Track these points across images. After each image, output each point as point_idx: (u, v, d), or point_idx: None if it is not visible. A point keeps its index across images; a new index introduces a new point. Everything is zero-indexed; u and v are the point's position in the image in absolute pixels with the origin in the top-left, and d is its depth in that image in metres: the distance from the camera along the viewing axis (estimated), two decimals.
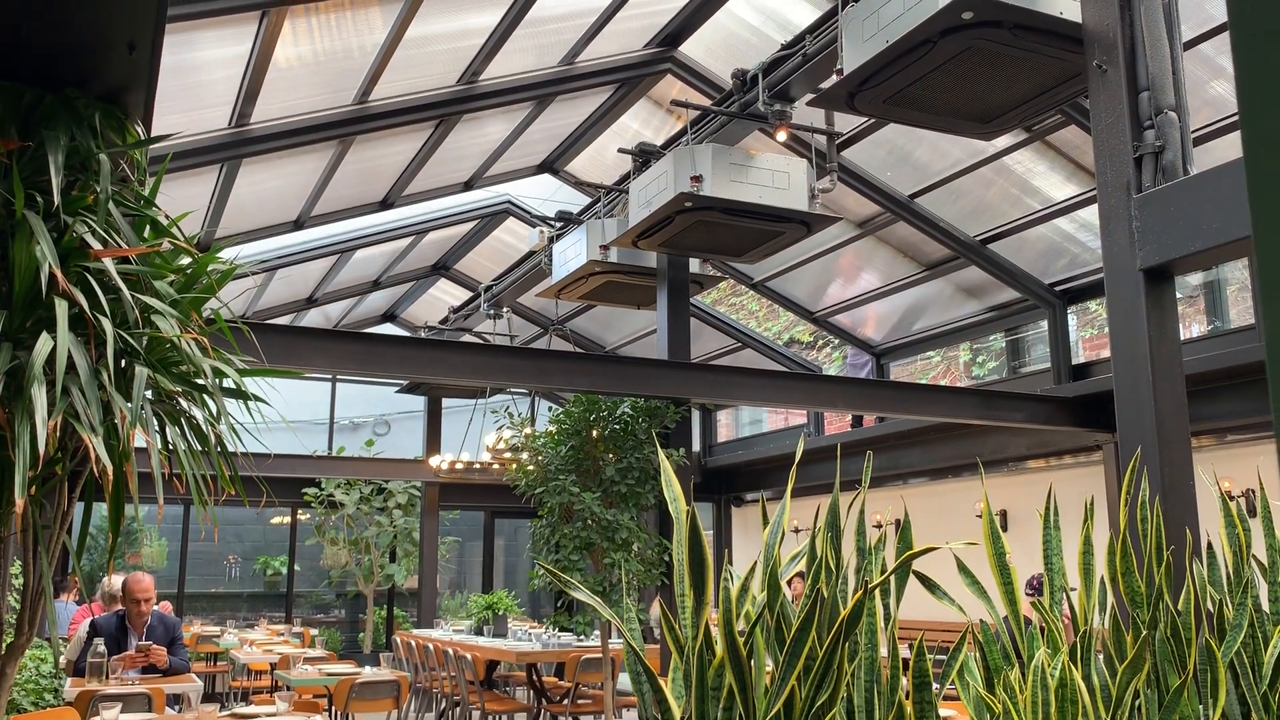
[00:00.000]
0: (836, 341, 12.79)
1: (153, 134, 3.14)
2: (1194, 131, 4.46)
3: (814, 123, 6.08)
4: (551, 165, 9.36)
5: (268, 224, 8.87)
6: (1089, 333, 9.57)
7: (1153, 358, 3.39)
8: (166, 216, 2.94)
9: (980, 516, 2.88)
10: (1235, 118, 6.31)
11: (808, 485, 10.86)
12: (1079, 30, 3.81)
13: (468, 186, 9.39)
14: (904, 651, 3.88)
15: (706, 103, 6.68)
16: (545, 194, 13.60)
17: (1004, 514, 9.75)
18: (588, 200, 8.87)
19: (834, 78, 4.56)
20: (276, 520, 15.06)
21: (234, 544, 15.04)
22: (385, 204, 9.07)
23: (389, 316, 14.09)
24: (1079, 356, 9.62)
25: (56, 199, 2.47)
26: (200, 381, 2.65)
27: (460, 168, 8.95)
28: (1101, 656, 2.82)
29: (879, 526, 10.45)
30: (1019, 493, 9.44)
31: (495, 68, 6.77)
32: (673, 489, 2.55)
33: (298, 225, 8.89)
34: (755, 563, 2.51)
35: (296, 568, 14.89)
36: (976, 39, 3.91)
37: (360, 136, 7.17)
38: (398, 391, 13.36)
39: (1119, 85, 3.56)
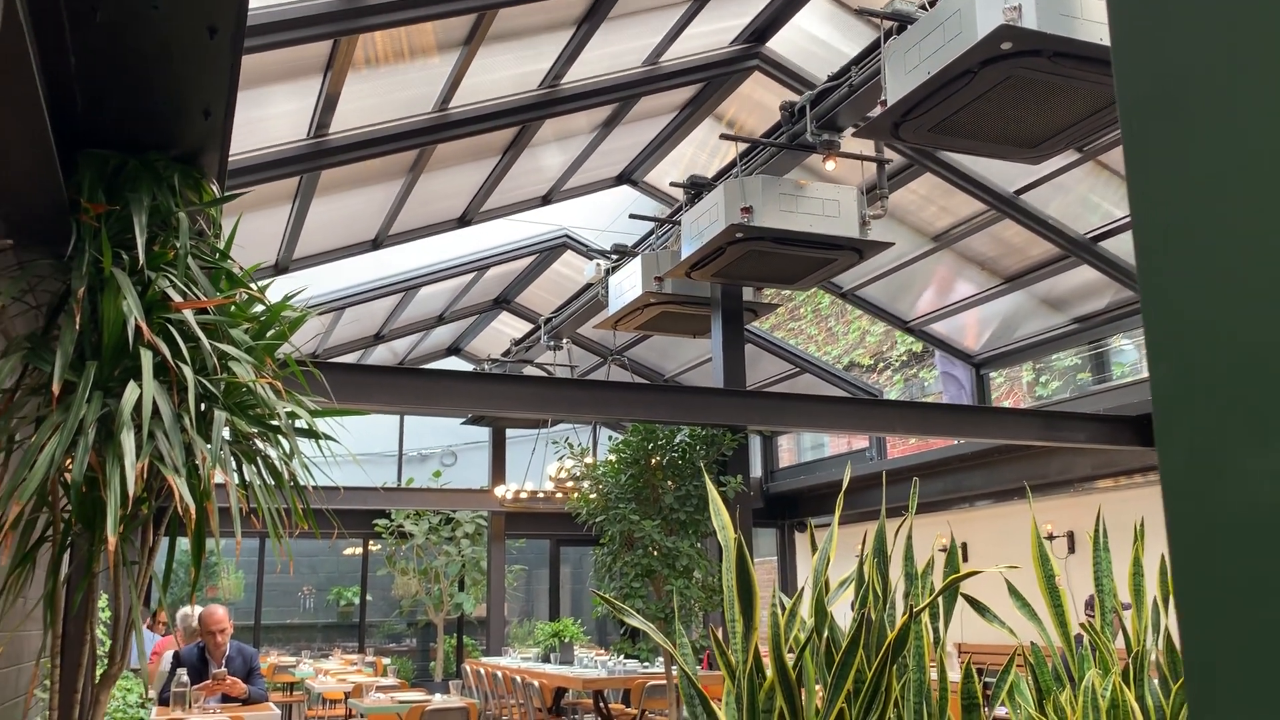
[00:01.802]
0: (897, 364, 12.74)
1: (226, 190, 3.35)
2: None
3: (863, 151, 6.16)
4: (630, 176, 9.28)
5: (344, 244, 8.86)
6: None
7: None
8: (240, 268, 3.14)
9: (1044, 539, 2.91)
10: None
11: (869, 510, 10.82)
12: None
13: (545, 201, 9.32)
14: (955, 675, 3.87)
15: (794, 97, 6.53)
16: (603, 225, 13.79)
17: (1070, 535, 9.61)
18: (657, 219, 8.86)
19: (879, 108, 4.64)
20: (349, 551, 15.39)
21: (308, 576, 15.40)
22: (464, 220, 8.98)
23: (454, 350, 14.38)
24: (1144, 372, 9.48)
25: (141, 256, 2.65)
26: (274, 423, 2.82)
27: (538, 180, 8.90)
28: (1156, 678, 2.83)
29: (944, 550, 10.36)
30: (1086, 513, 9.30)
31: (577, 71, 6.66)
32: (720, 517, 2.64)
33: (375, 245, 8.86)
34: (802, 588, 2.59)
35: (369, 598, 15.19)
36: (1017, 68, 3.96)
37: (437, 153, 7.13)
38: (463, 423, 13.62)
39: None
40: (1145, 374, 9.50)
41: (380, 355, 13.35)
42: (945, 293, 9.73)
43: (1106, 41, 3.93)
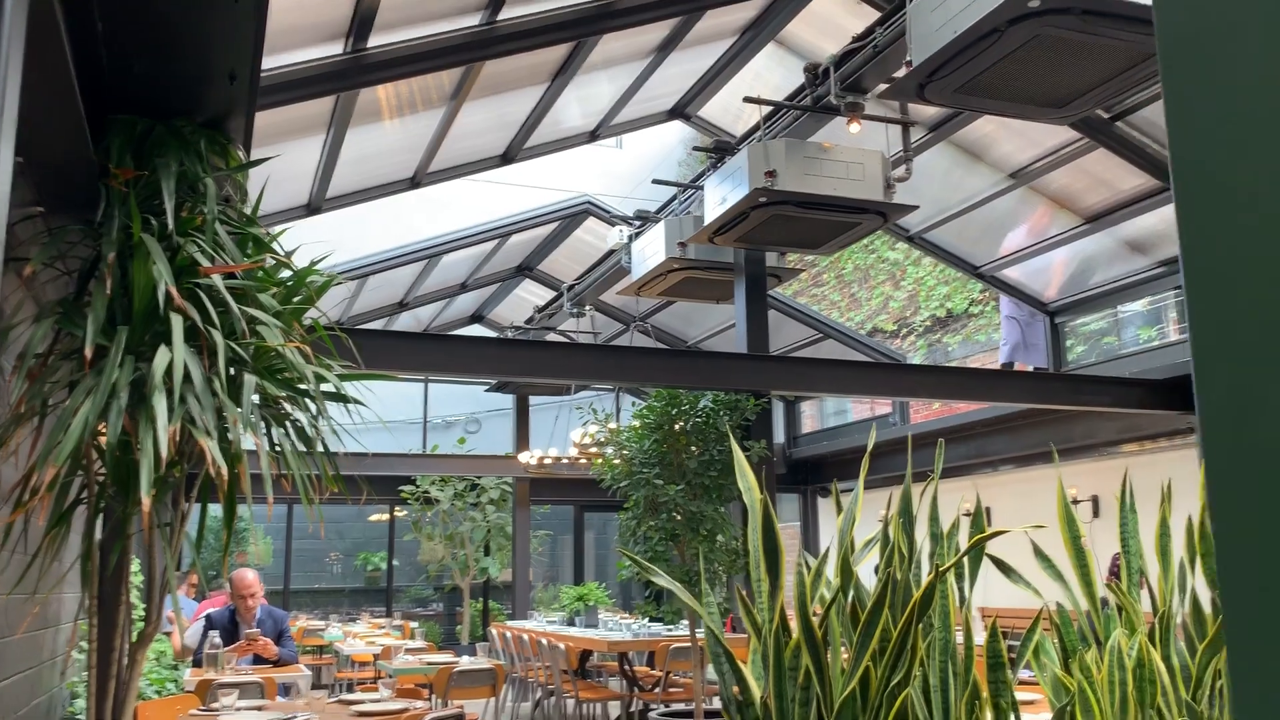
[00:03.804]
0: (920, 330, 12.68)
1: (252, 154, 3.36)
2: None
3: (888, 113, 6.10)
4: (683, 110, 8.78)
5: (382, 182, 8.31)
6: (1177, 313, 9.33)
7: None
8: (267, 233, 3.16)
9: (1070, 502, 2.91)
10: None
11: (894, 475, 10.82)
12: (1149, 12, 3.78)
13: (593, 137, 8.84)
14: (980, 637, 3.88)
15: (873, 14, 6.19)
16: (625, 191, 13.73)
17: (1095, 499, 9.58)
18: (680, 184, 8.49)
19: (904, 69, 4.59)
20: (375, 517, 15.56)
21: (336, 541, 15.59)
22: (506, 158, 8.45)
23: (477, 318, 14.43)
24: (1169, 336, 9.39)
25: (170, 222, 2.68)
26: (303, 386, 2.85)
27: (587, 112, 8.40)
28: (1182, 639, 2.83)
29: (969, 515, 10.35)
30: (1110, 478, 9.25)
31: None
32: (746, 479, 2.65)
33: (414, 183, 8.32)
34: (827, 549, 2.60)
35: (395, 563, 15.37)
36: (1045, 26, 3.90)
37: (482, 77, 6.57)
38: (487, 390, 13.69)
39: None
40: (1169, 339, 9.42)
41: (404, 322, 13.42)
42: (1022, 235, 9.03)
43: None
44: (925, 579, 2.41)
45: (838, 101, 5.70)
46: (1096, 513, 9.56)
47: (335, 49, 5.49)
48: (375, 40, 5.51)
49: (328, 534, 15.30)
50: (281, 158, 5.27)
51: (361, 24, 5.29)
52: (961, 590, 2.71)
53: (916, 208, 6.01)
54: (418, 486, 13.74)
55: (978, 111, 4.93)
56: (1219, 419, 0.58)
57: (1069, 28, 3.93)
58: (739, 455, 2.56)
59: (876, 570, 2.52)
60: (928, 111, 7.08)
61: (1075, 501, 9.49)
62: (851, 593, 2.55)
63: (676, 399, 6.14)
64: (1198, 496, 2.67)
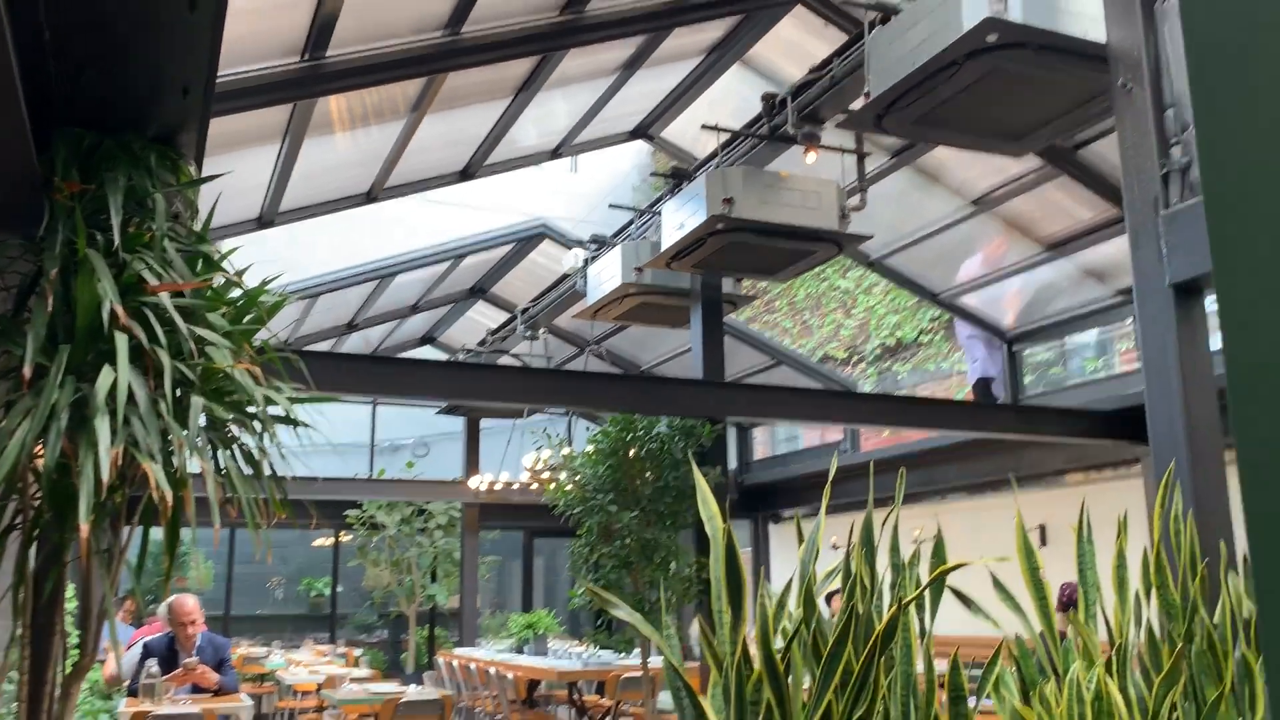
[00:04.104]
0: (870, 358, 12.79)
1: (203, 171, 3.28)
2: None
3: (844, 144, 6.15)
4: (646, 130, 8.62)
5: (336, 196, 8.09)
6: (1124, 345, 9.51)
7: (1183, 372, 3.41)
8: (218, 251, 3.07)
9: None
10: None
11: (845, 502, 10.84)
12: (1103, 50, 3.85)
13: (554, 155, 8.66)
14: (940, 667, 3.89)
15: (841, 37, 6.06)
16: (580, 214, 13.72)
17: (1042, 528, 9.68)
18: (636, 209, 8.38)
19: (862, 100, 4.63)
20: (319, 542, 15.27)
21: (279, 566, 15.28)
22: (466, 174, 8.23)
23: (428, 339, 14.28)
24: (1115, 368, 9.55)
25: (116, 238, 2.59)
26: (252, 409, 2.76)
27: (549, 130, 8.24)
28: (1139, 670, 2.83)
29: (924, 543, 10.38)
30: (1057, 507, 9.38)
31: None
32: (709, 508, 2.61)
33: (370, 197, 8.09)
34: (791, 579, 2.57)
35: (340, 589, 15.08)
36: (1002, 61, 3.96)
37: (444, 90, 6.38)
38: (437, 413, 13.53)
39: (1144, 104, 3.60)
40: (1115, 370, 9.58)
41: (353, 344, 13.24)
42: (981, 262, 8.93)
43: (1091, 36, 3.94)
44: (887, 611, 2.39)
45: (795, 131, 5.74)
46: (1044, 541, 9.66)
47: (292, 59, 5.34)
48: (334, 51, 5.38)
49: (271, 558, 14.98)
50: (234, 170, 5.14)
51: (321, 32, 5.15)
52: (922, 621, 2.69)
53: (870, 237, 6.06)
54: (364, 511, 13.52)
55: (935, 143, 4.99)
56: (1254, 436, 0.55)
57: (1024, 63, 3.99)
58: (701, 483, 2.51)
59: (828, 600, 2.49)
60: (888, 139, 7.12)
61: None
62: (814, 624, 2.52)
63: (632, 424, 6.11)
64: (1146, 527, 2.68)
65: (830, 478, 2.92)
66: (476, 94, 6.93)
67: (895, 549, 2.73)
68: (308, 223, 8.20)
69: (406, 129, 6.94)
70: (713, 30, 6.99)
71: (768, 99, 5.98)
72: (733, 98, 7.84)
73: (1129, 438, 7.24)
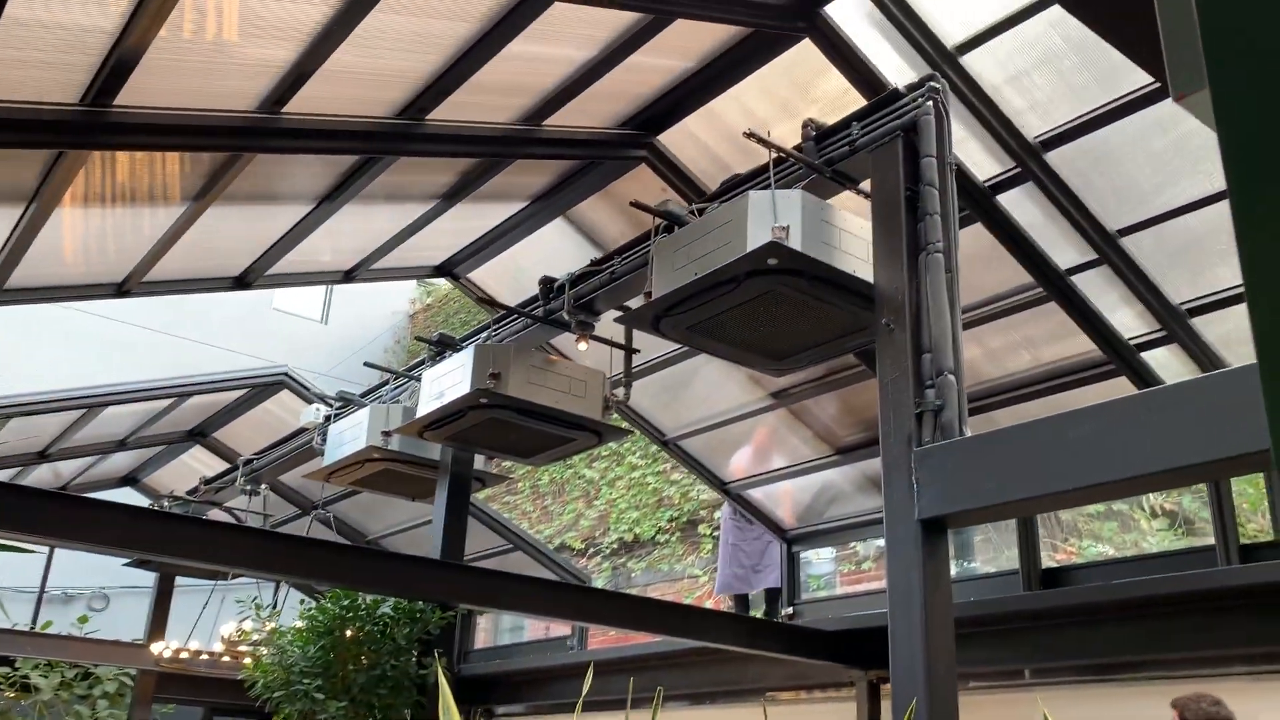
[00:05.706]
0: (608, 551, 12.71)
1: None
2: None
3: (614, 336, 6.20)
4: (452, 269, 7.98)
5: (82, 282, 7.07)
6: (847, 567, 9.95)
7: (926, 605, 3.49)
8: None
9: None
10: (1005, 394, 6.66)
11: (566, 702, 10.43)
12: (870, 289, 4.10)
13: (348, 277, 7.87)
14: None
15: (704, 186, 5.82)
16: (327, 368, 13.14)
17: None
18: (393, 371, 8.00)
19: (641, 299, 4.68)
20: None
21: None
22: (242, 282, 7.32)
23: (129, 480, 12.89)
24: (835, 589, 9.93)
25: None
26: None
27: (349, 249, 7.49)
28: None
29: None
30: None
31: (443, 112, 5.40)
32: (450, 717, 2.31)
33: (121, 291, 7.06)
34: None
35: None
36: (778, 284, 4.13)
37: (239, 178, 5.62)
38: (125, 564, 12.05)
39: (904, 344, 3.82)
40: (835, 590, 9.95)
41: (41, 475, 11.73)
42: (769, 457, 8.77)
43: (861, 274, 4.20)
44: None
45: (569, 318, 5.74)
46: None
47: (72, 96, 4.50)
48: (125, 99, 4.56)
49: None
50: None
51: (116, 71, 4.33)
52: None
53: (631, 433, 6.07)
54: (15, 670, 11.60)
55: (703, 350, 5.09)
56: None
57: (798, 289, 4.18)
58: (446, 693, 2.22)
59: None
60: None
61: None
62: None
63: (355, 603, 5.59)
64: None
65: (588, 676, 2.70)
66: (279, 190, 6.26)
67: None
68: (16, 330, 7.24)
69: (184, 216, 6.11)
70: (543, 175, 6.69)
71: (545, 282, 5.98)
72: (550, 249, 7.38)
73: (848, 660, 7.43)
